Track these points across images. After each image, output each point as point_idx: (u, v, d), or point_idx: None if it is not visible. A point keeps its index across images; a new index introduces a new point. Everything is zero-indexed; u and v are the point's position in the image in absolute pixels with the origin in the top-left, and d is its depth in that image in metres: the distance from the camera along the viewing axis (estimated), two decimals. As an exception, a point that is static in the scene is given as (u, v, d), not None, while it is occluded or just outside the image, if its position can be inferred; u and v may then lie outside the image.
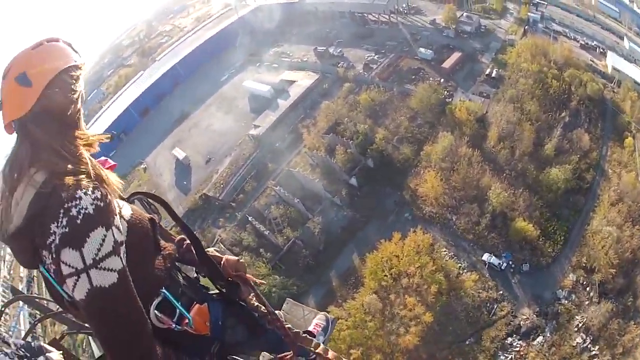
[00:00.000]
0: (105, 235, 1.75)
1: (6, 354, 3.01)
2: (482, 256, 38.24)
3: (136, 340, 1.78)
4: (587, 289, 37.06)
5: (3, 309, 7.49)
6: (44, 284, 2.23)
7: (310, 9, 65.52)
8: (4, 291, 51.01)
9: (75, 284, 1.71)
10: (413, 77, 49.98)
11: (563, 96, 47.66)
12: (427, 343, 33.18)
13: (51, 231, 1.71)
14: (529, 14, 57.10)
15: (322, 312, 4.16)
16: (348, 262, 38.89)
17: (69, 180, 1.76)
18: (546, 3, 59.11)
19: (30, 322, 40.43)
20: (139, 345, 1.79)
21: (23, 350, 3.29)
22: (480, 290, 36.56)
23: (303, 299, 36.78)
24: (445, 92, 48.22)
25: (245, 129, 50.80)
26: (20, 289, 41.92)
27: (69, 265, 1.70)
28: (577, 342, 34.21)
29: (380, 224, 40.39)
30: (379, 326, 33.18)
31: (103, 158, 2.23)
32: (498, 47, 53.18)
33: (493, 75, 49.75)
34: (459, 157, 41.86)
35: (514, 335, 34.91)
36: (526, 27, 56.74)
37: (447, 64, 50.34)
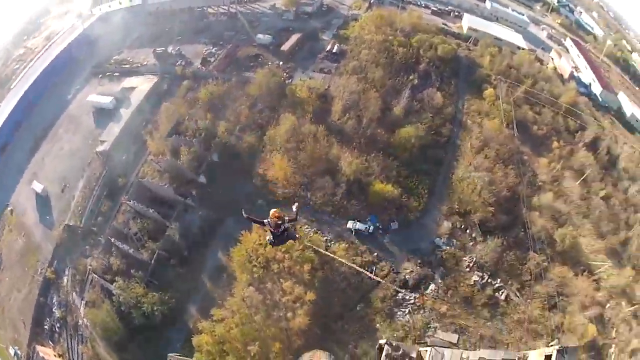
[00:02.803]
0: None
1: None
2: (346, 224, 38.83)
3: None
4: (467, 231, 38.99)
5: None
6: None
7: (151, 10, 62.67)
8: None
9: None
10: (252, 64, 49.61)
11: (411, 60, 49.24)
12: (318, 319, 33.23)
13: None
14: (375, -13, 57.97)
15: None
16: (215, 261, 38.05)
17: None
18: (396, -26, 60.29)
19: None
20: None
21: None
22: (354, 257, 36.96)
23: (184, 309, 36.10)
24: (285, 74, 48.35)
25: (93, 146, 47.78)
26: None
27: None
28: (474, 280, 36.05)
29: (237, 217, 38.88)
30: (265, 317, 32.79)
31: None
32: (340, 24, 53.98)
33: (334, 50, 50.30)
34: (304, 135, 41.96)
35: (404, 290, 35.75)
36: (371, 0, 57.80)
37: (285, 46, 50.50)
